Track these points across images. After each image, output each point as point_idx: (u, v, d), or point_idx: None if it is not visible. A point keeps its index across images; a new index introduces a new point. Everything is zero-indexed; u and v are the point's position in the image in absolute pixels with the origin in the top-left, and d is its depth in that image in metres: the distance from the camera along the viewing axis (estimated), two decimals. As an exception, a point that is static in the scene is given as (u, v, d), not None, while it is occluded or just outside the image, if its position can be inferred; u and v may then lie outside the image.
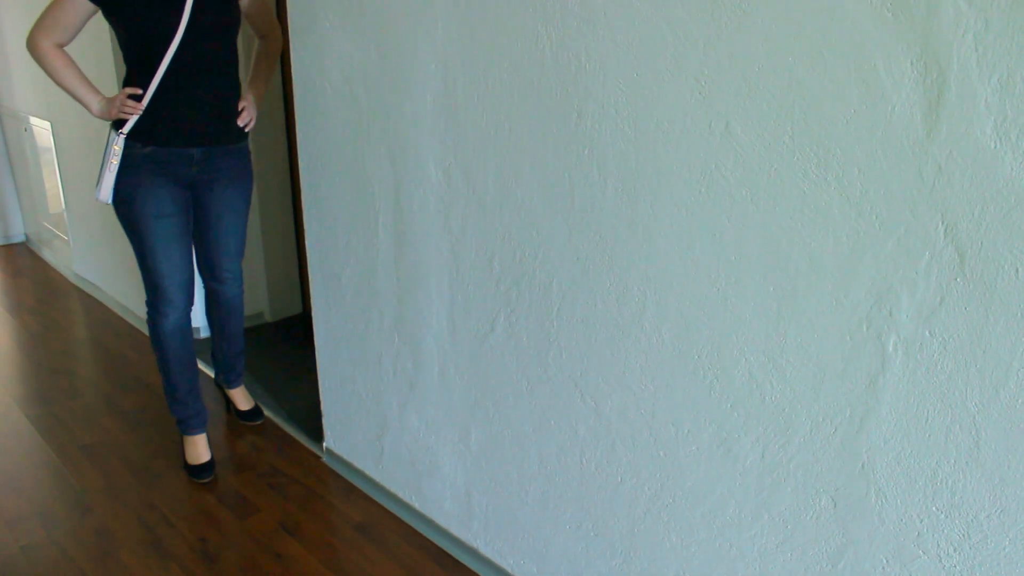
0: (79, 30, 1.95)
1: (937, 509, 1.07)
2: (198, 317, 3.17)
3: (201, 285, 2.72)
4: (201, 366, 2.95)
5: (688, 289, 1.27)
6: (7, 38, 3.92)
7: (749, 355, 1.21)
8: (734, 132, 1.14)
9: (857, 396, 1.11)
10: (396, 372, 1.96)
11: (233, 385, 2.58)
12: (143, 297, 3.03)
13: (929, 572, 1.09)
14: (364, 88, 1.78)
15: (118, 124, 1.99)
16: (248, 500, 2.18)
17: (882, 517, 1.13)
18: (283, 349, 3.14)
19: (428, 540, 2.01)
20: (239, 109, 2.10)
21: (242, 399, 2.60)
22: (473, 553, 1.91)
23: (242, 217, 2.25)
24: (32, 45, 1.91)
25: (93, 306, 3.68)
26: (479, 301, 1.66)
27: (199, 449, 2.27)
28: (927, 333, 1.01)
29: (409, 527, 2.06)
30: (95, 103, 1.99)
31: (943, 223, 0.97)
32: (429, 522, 2.01)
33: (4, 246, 4.61)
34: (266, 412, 2.67)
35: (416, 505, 2.05)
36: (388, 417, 2.05)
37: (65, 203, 3.79)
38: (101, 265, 3.60)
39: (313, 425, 2.50)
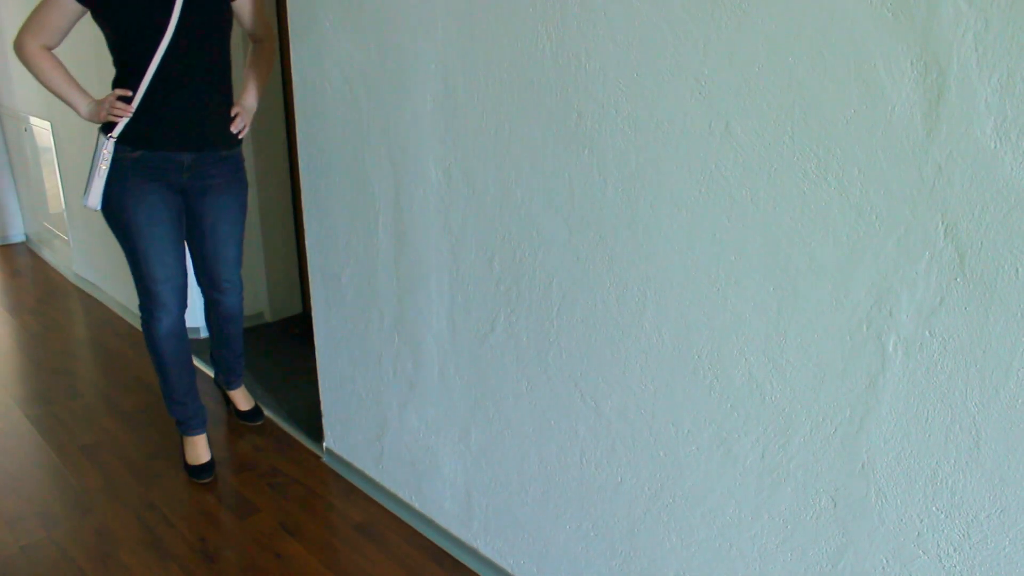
0: (67, 32, 1.91)
1: (937, 509, 1.07)
2: (197, 317, 3.17)
3: (199, 291, 2.69)
4: (200, 365, 2.95)
5: (688, 289, 1.27)
6: (7, 38, 3.92)
7: (749, 355, 1.21)
8: (734, 132, 1.14)
9: (857, 396, 1.11)
10: (396, 372, 1.96)
11: (233, 386, 2.56)
12: (143, 297, 3.02)
13: (929, 572, 1.09)
14: (364, 88, 1.78)
15: (107, 128, 1.94)
16: (248, 500, 2.18)
17: (882, 517, 1.13)
18: (283, 349, 3.14)
19: (428, 540, 2.01)
20: (232, 115, 2.06)
21: (242, 399, 2.58)
22: (473, 553, 1.91)
23: (238, 226, 2.20)
24: (19, 47, 1.88)
25: (93, 306, 3.68)
26: (479, 301, 1.66)
27: (199, 449, 2.27)
28: (927, 333, 1.01)
29: (409, 527, 2.06)
30: (83, 105, 1.95)
31: (943, 223, 0.97)
32: (429, 522, 2.01)
33: (4, 246, 4.61)
34: (266, 412, 2.67)
35: (416, 505, 2.05)
36: (388, 417, 2.05)
37: (65, 203, 3.79)
38: (101, 265, 3.60)
39: (313, 425, 2.50)
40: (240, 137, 2.12)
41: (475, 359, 1.72)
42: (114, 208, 1.97)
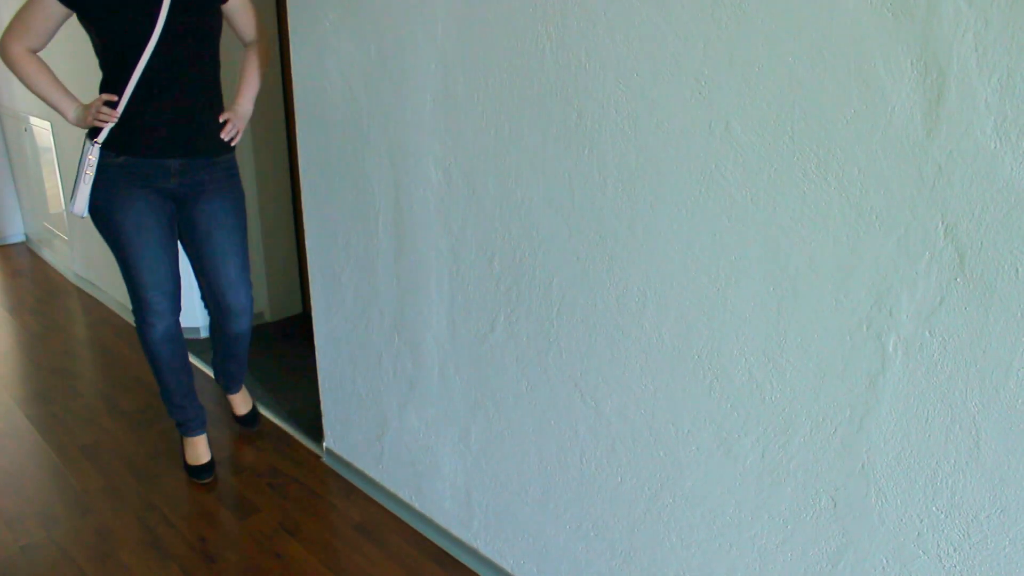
0: (52, 34, 1.87)
1: (937, 509, 1.07)
2: (195, 317, 3.17)
3: (197, 290, 2.60)
4: (199, 365, 2.95)
5: (688, 289, 1.27)
6: (7, 38, 3.92)
7: (749, 355, 1.21)
8: (734, 132, 1.14)
9: (857, 396, 1.11)
10: (396, 372, 1.96)
11: (233, 390, 2.50)
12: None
13: (929, 572, 1.09)
14: (364, 88, 1.78)
15: (93, 133, 1.90)
16: (248, 500, 2.18)
17: (882, 517, 1.13)
18: (283, 349, 3.14)
19: (428, 540, 2.01)
20: (222, 121, 2.00)
21: (240, 403, 2.52)
22: (473, 553, 1.91)
23: (235, 235, 2.09)
24: (3, 50, 1.84)
25: (93, 306, 3.68)
26: (479, 301, 1.65)
27: (199, 450, 2.27)
28: (927, 333, 1.01)
29: (409, 527, 2.06)
30: (71, 110, 1.91)
31: (943, 223, 0.96)
32: (429, 522, 2.01)
33: (4, 246, 4.61)
34: (266, 412, 2.67)
35: (416, 505, 2.05)
36: (388, 417, 2.05)
37: (65, 203, 3.78)
38: (101, 265, 3.60)
39: (313, 425, 2.50)
40: (233, 143, 2.05)
41: (475, 359, 1.72)
42: (101, 215, 1.94)
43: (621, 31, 1.24)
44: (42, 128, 3.78)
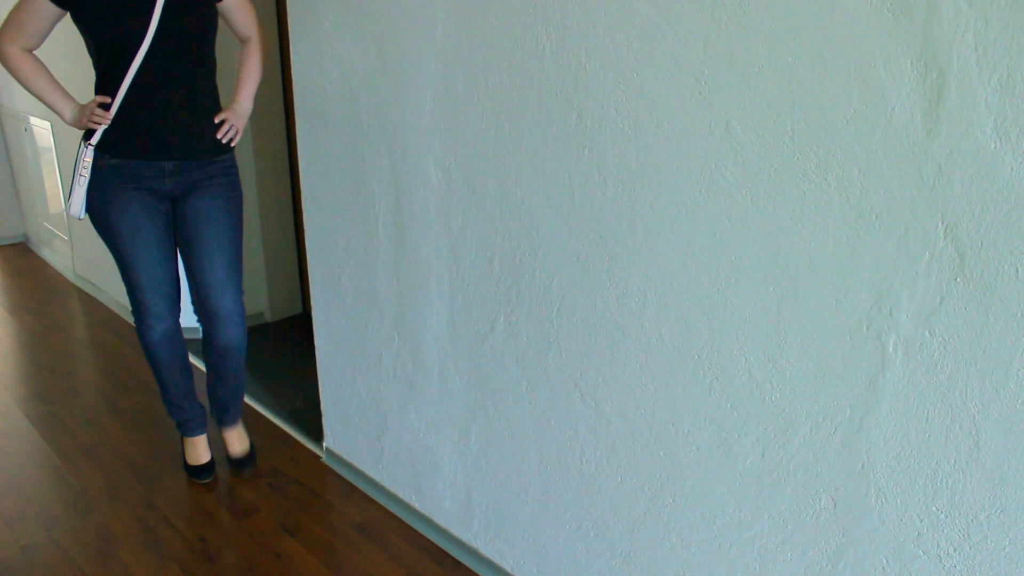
0: (47, 34, 1.83)
1: (937, 509, 1.07)
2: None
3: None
4: (200, 364, 2.95)
5: (688, 289, 1.27)
6: (7, 38, 3.92)
7: (749, 355, 1.21)
8: (734, 132, 1.14)
9: (857, 396, 1.11)
10: (396, 372, 1.96)
11: (227, 424, 2.28)
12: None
13: (929, 572, 1.09)
14: (364, 88, 1.78)
15: (88, 134, 1.87)
16: (248, 500, 2.18)
17: (882, 517, 1.13)
18: (283, 349, 3.14)
19: (428, 540, 2.01)
20: (219, 120, 1.94)
21: (236, 441, 2.30)
22: (473, 553, 1.91)
23: (225, 233, 1.99)
24: None
25: (93, 306, 3.68)
26: (479, 301, 1.65)
27: (199, 450, 2.27)
28: (927, 333, 1.01)
29: (409, 527, 2.06)
30: (68, 110, 1.87)
31: (943, 223, 0.96)
32: (429, 522, 2.01)
33: (4, 246, 4.61)
34: (266, 412, 2.67)
35: (416, 505, 2.05)
36: (388, 417, 2.05)
37: (65, 203, 3.79)
38: (101, 265, 3.60)
39: (313, 425, 2.50)
40: (232, 144, 2.00)
41: (475, 359, 1.72)
42: (98, 216, 1.92)
43: (621, 31, 1.24)
44: (42, 128, 3.78)
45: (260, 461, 2.36)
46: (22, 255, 4.48)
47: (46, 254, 4.36)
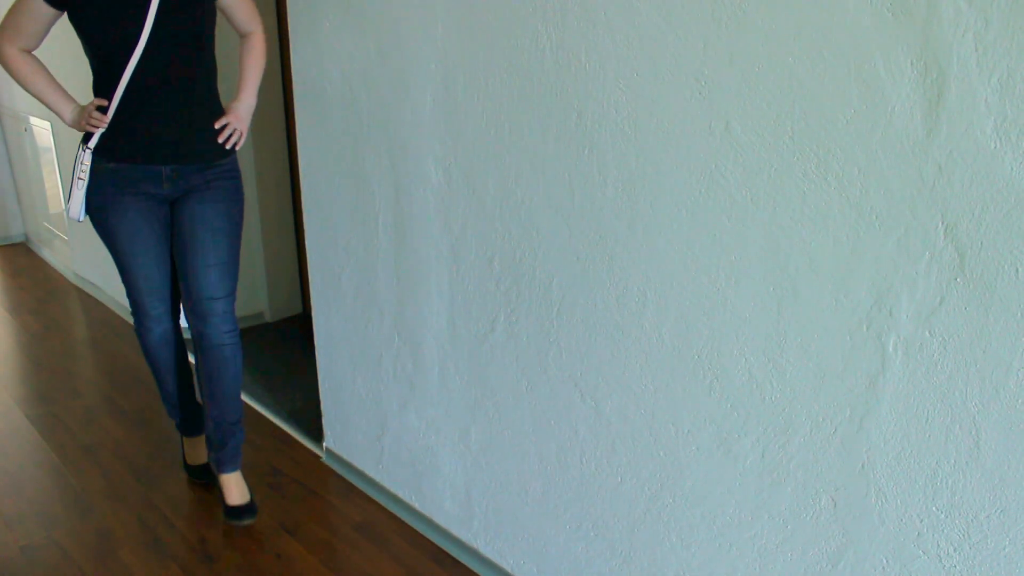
0: (45, 34, 1.80)
1: (937, 509, 1.07)
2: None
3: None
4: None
5: (688, 289, 1.27)
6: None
7: (749, 355, 1.21)
8: (734, 132, 1.14)
9: (857, 396, 1.11)
10: (396, 372, 1.96)
11: (226, 468, 2.07)
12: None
13: (929, 572, 1.09)
14: (364, 88, 1.78)
15: (87, 137, 1.84)
16: (248, 500, 2.18)
17: (882, 517, 1.13)
18: (283, 349, 3.14)
19: (428, 540, 2.01)
20: (218, 125, 1.88)
21: (234, 489, 2.07)
22: (473, 553, 1.91)
23: (221, 238, 1.92)
24: None
25: (93, 306, 3.68)
26: (479, 301, 1.65)
27: (199, 450, 2.27)
28: (927, 333, 1.01)
29: (409, 527, 2.06)
30: (68, 111, 1.84)
31: (943, 223, 0.96)
32: (429, 522, 2.02)
33: (4, 246, 4.61)
34: (266, 412, 2.67)
35: (416, 505, 2.05)
36: (388, 417, 2.05)
37: (65, 203, 3.79)
38: (101, 265, 3.60)
39: (313, 425, 2.50)
40: (236, 147, 1.94)
41: (475, 359, 1.72)
42: (96, 219, 1.90)
43: (621, 31, 1.24)
44: (42, 128, 3.78)
45: (260, 461, 2.36)
46: (22, 255, 4.48)
47: (46, 254, 4.36)
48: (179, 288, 2.03)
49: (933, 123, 0.94)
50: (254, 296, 3.34)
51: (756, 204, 1.14)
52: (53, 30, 1.85)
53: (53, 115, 3.56)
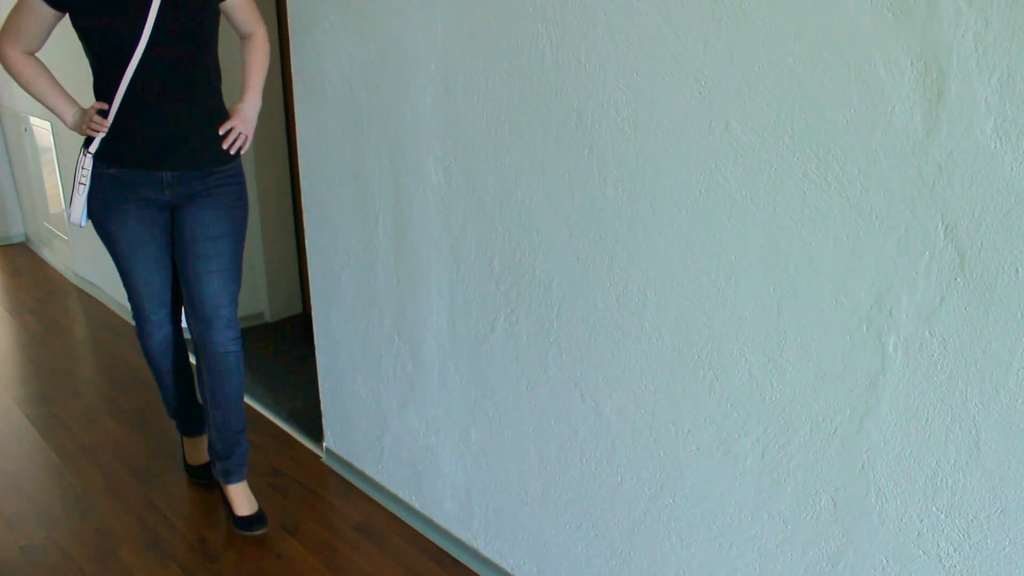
0: (46, 37, 1.77)
1: (937, 509, 1.07)
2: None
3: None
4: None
5: (688, 289, 1.27)
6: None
7: (749, 355, 1.21)
8: (734, 132, 1.14)
9: (857, 396, 1.11)
10: (396, 372, 1.96)
11: (232, 479, 2.07)
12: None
13: (929, 572, 1.09)
14: (364, 88, 1.78)
15: (88, 141, 1.81)
16: (248, 500, 2.18)
17: (882, 517, 1.13)
18: (283, 349, 3.14)
19: (428, 540, 2.01)
20: (223, 131, 1.84)
21: (243, 500, 2.06)
22: (473, 553, 1.91)
23: (223, 245, 1.89)
24: None
25: (93, 306, 3.68)
26: (479, 301, 1.66)
27: (199, 450, 2.27)
28: (927, 333, 1.01)
29: (409, 527, 2.06)
30: (70, 114, 1.81)
31: (943, 223, 0.96)
32: (429, 522, 2.02)
33: (4, 246, 4.61)
34: (266, 412, 2.67)
35: (416, 505, 2.05)
36: (388, 417, 2.05)
37: (65, 203, 3.79)
38: (101, 265, 3.60)
39: (313, 425, 2.50)
40: (241, 152, 1.90)
41: (475, 359, 1.72)
42: (98, 224, 1.88)
43: (621, 31, 1.24)
44: (42, 128, 3.79)
45: (260, 461, 2.36)
46: (22, 255, 4.48)
47: (46, 254, 4.36)
48: (181, 293, 2.01)
49: (933, 123, 0.94)
50: (254, 296, 3.34)
51: (756, 204, 1.14)
52: (53, 32, 1.84)
53: (53, 115, 3.56)
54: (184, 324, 2.16)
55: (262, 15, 2.02)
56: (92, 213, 1.87)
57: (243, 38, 1.98)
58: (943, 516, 1.06)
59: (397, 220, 1.80)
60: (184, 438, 2.28)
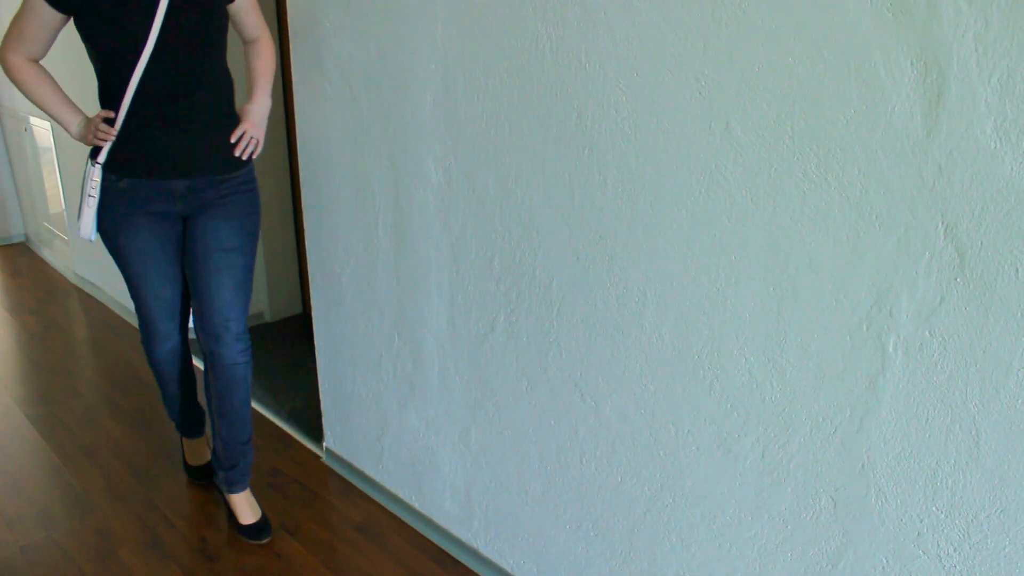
0: (51, 42, 1.71)
1: (937, 509, 1.07)
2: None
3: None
4: (198, 363, 2.95)
5: (688, 289, 1.27)
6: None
7: (749, 355, 1.21)
8: (734, 132, 1.14)
9: (857, 396, 1.11)
10: (396, 372, 1.96)
11: (236, 488, 2.06)
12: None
13: (929, 572, 1.09)
14: (364, 88, 1.78)
15: (95, 152, 1.75)
16: (248, 500, 2.18)
17: (882, 517, 1.13)
18: (283, 349, 3.14)
19: (428, 540, 2.01)
20: (234, 138, 1.81)
21: (246, 508, 2.06)
22: (473, 553, 1.91)
23: (236, 256, 1.87)
24: (1, 61, 1.71)
25: (93, 306, 3.68)
26: (479, 301, 1.66)
27: (199, 450, 2.27)
28: (927, 333, 1.01)
29: (409, 527, 2.06)
30: (74, 124, 1.75)
31: (943, 223, 0.97)
32: (429, 522, 2.02)
33: (4, 246, 4.61)
34: (266, 412, 2.67)
35: (416, 505, 2.05)
36: (388, 417, 2.05)
37: (65, 203, 3.79)
38: (101, 265, 3.60)
39: (313, 425, 2.50)
40: (253, 157, 1.87)
41: (475, 359, 1.72)
42: (107, 238, 1.83)
43: (621, 31, 1.24)
44: (42, 128, 3.79)
45: (260, 461, 2.36)
46: (22, 255, 4.48)
47: (46, 254, 4.36)
48: (188, 304, 1.99)
49: (933, 123, 0.94)
50: (254, 296, 3.33)
51: (756, 204, 1.14)
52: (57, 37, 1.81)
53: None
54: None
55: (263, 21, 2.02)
56: (101, 227, 1.81)
57: (248, 43, 1.94)
58: (943, 516, 1.06)
59: (397, 220, 1.80)
60: (184, 439, 2.28)
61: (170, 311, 1.95)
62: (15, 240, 4.67)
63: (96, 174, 1.74)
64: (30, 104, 3.83)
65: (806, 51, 1.03)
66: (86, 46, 1.70)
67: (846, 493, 1.16)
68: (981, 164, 0.92)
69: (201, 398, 2.57)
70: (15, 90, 4.00)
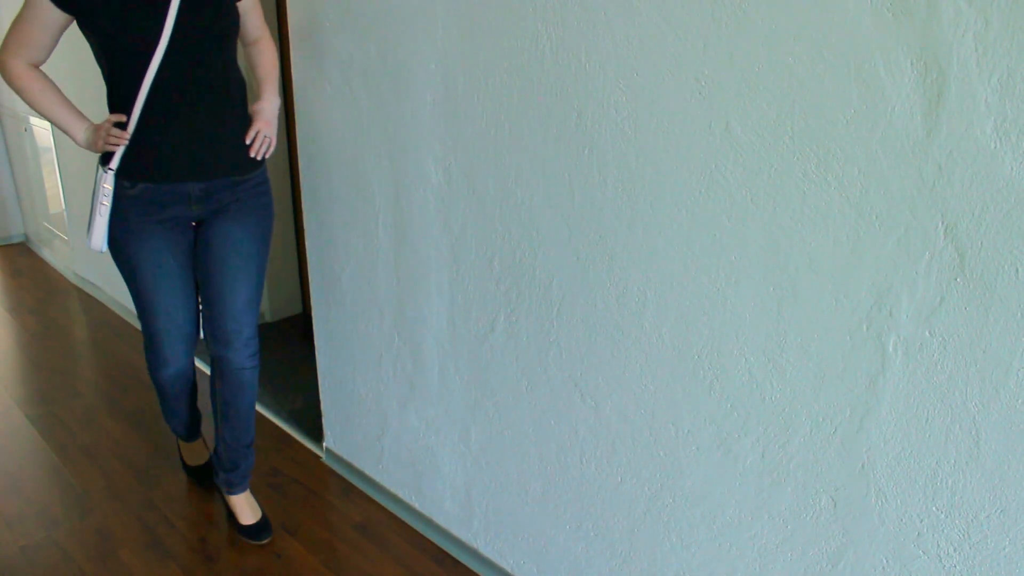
0: (52, 46, 1.66)
1: (937, 509, 1.07)
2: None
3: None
4: (204, 367, 2.95)
5: (688, 289, 1.27)
6: (7, 38, 3.92)
7: (749, 355, 1.21)
8: (734, 132, 1.14)
9: (857, 396, 1.11)
10: (396, 372, 1.96)
11: (236, 490, 2.05)
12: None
13: (929, 572, 1.09)
14: (364, 88, 1.78)
15: (106, 158, 1.68)
16: (248, 500, 2.18)
17: (882, 517, 1.13)
18: (283, 349, 3.14)
19: (428, 540, 2.01)
20: (249, 139, 1.77)
21: (247, 509, 2.05)
22: (473, 553, 1.91)
23: (252, 262, 1.85)
24: (1, 68, 1.64)
25: (93, 306, 3.68)
26: (479, 301, 1.66)
27: (198, 451, 2.27)
28: (927, 333, 1.01)
29: (409, 527, 2.06)
30: (80, 132, 1.68)
31: (943, 223, 0.97)
32: (429, 522, 2.02)
33: (4, 246, 4.61)
34: (266, 412, 2.67)
35: (416, 505, 2.05)
36: (388, 417, 2.05)
37: (65, 203, 3.79)
38: (101, 265, 3.60)
39: (313, 425, 2.50)
40: (266, 156, 1.83)
41: (475, 359, 1.72)
42: (117, 251, 1.76)
43: (621, 31, 1.24)
44: (42, 128, 3.79)
45: (260, 461, 2.36)
46: (22, 255, 4.48)
47: (46, 254, 4.36)
48: (198, 326, 1.93)
49: (933, 123, 0.94)
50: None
51: (756, 204, 1.14)
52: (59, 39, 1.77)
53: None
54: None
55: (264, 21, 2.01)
56: (112, 237, 1.74)
57: (249, 44, 1.91)
58: (943, 516, 1.06)
59: (397, 220, 1.80)
60: (181, 442, 2.27)
61: (179, 333, 1.87)
62: (15, 240, 4.67)
63: (108, 180, 1.68)
64: (30, 104, 3.82)
65: (806, 51, 1.03)
66: (93, 47, 1.66)
67: (846, 493, 1.16)
68: (981, 164, 0.92)
69: (201, 400, 2.57)
70: (15, 90, 3.99)
